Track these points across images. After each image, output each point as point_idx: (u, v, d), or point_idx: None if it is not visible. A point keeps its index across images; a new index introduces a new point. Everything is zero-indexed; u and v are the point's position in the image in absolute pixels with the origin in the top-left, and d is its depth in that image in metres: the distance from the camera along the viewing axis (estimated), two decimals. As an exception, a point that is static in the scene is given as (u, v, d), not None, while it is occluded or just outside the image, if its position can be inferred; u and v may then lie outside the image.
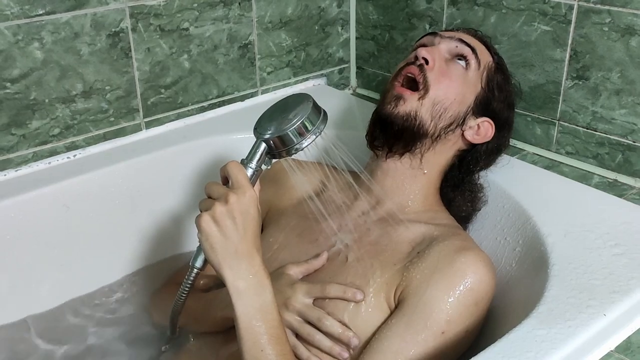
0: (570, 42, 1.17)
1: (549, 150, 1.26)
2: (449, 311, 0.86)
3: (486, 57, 1.05)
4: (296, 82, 1.54)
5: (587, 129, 1.19)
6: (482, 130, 1.03)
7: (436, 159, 1.03)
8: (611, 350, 0.80)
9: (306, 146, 0.85)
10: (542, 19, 1.19)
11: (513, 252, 1.03)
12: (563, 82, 1.20)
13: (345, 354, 0.88)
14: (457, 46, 1.03)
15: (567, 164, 1.23)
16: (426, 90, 0.99)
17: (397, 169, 1.02)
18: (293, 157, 0.88)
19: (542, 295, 0.86)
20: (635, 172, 1.15)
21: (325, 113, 0.88)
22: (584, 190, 1.13)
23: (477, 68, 1.03)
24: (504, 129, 1.07)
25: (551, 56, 1.20)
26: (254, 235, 0.82)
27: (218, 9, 1.34)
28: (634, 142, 1.14)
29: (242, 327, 0.81)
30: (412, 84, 1.00)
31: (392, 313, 0.89)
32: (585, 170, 1.21)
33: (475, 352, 0.78)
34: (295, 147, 0.85)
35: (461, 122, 1.02)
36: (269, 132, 0.85)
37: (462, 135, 1.03)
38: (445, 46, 1.03)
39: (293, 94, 0.92)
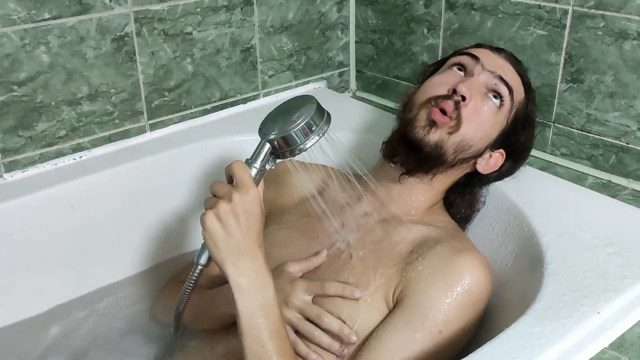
0: (565, 46, 1.18)
1: (544, 151, 1.27)
2: (446, 311, 0.87)
3: (520, 95, 1.03)
4: (297, 85, 1.55)
5: (582, 131, 1.21)
6: (492, 160, 1.04)
7: (446, 179, 1.04)
8: (605, 348, 0.81)
9: (310, 147, 0.85)
10: (537, 24, 1.21)
11: (509, 251, 1.04)
12: (558, 85, 1.21)
13: (344, 351, 0.90)
14: (495, 83, 1.00)
15: (562, 165, 1.24)
16: (458, 126, 0.97)
17: (407, 182, 1.02)
18: (297, 158, 0.88)
19: (538, 294, 0.87)
20: (629, 173, 1.17)
21: (328, 114, 0.88)
22: (578, 191, 1.14)
23: (509, 109, 1.01)
24: (519, 159, 1.08)
25: (546, 60, 1.21)
26: (257, 233, 0.83)
27: (221, 13, 1.35)
28: (627, 143, 1.15)
29: (244, 324, 0.81)
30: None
31: (390, 312, 0.90)
32: (580, 172, 1.22)
33: (472, 349, 0.79)
34: (299, 147, 0.85)
35: (479, 155, 1.02)
36: (273, 132, 0.85)
37: (475, 162, 1.04)
38: (484, 80, 1.00)
39: (297, 96, 0.91)
